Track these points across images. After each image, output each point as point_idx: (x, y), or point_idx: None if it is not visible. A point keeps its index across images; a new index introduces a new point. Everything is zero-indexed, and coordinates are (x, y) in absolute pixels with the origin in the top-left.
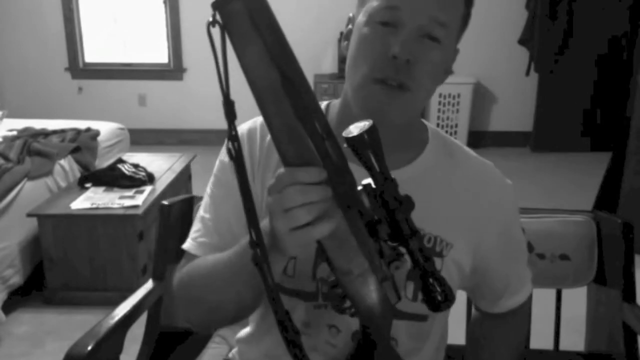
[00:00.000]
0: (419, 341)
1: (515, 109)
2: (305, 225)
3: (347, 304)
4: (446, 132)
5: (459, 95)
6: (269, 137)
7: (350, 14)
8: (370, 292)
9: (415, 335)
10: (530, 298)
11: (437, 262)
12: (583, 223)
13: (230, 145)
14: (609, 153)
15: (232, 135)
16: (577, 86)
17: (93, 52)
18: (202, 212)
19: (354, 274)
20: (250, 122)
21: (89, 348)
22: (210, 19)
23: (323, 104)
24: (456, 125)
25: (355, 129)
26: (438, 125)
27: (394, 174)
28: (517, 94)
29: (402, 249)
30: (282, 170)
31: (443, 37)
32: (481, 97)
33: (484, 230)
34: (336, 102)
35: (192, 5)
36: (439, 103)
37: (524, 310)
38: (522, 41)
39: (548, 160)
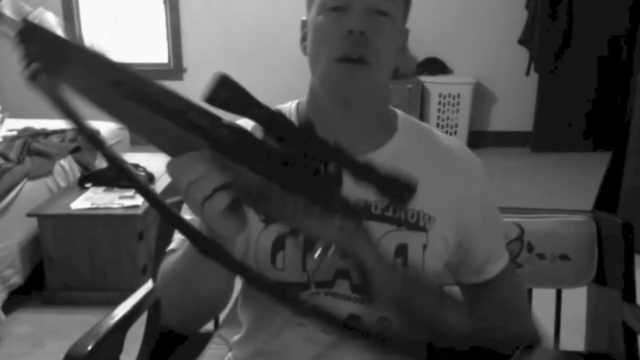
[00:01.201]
0: None
1: (515, 109)
2: (206, 200)
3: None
4: (446, 132)
5: (459, 95)
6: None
7: (303, 18)
8: (325, 224)
9: None
10: (511, 268)
11: (422, 236)
12: (583, 223)
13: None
14: (609, 153)
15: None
16: (577, 86)
17: None
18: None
19: (297, 216)
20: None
21: (89, 348)
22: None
23: (294, 103)
24: (456, 125)
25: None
26: (438, 125)
27: (369, 156)
28: (517, 94)
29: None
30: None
31: (391, 10)
32: (481, 97)
33: (463, 204)
34: (304, 100)
35: (192, 5)
36: (439, 103)
37: (510, 275)
38: (522, 41)
39: (548, 160)
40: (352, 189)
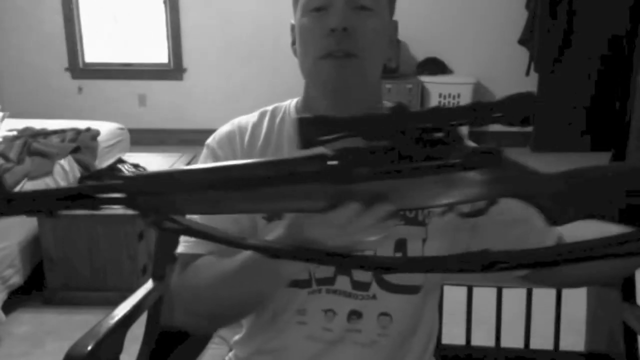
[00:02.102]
0: (413, 319)
1: None
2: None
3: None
4: None
5: (459, 95)
6: (247, 136)
7: (292, 22)
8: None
9: (410, 314)
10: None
11: (421, 231)
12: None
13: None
14: (608, 153)
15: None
16: (577, 86)
17: (93, 52)
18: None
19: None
20: (228, 125)
21: (89, 348)
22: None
23: (293, 101)
24: None
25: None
26: None
27: None
28: None
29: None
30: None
31: (371, 4)
32: (481, 97)
33: None
34: (300, 99)
35: (192, 5)
36: (439, 103)
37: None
38: (522, 41)
39: (548, 160)
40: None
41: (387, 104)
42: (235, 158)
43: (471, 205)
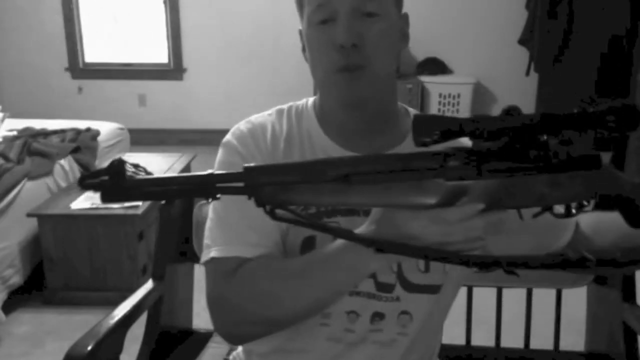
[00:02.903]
0: (430, 318)
1: None
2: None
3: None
4: None
5: (459, 95)
6: (269, 134)
7: (299, 28)
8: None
9: (427, 312)
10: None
11: None
12: None
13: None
14: (609, 153)
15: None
16: (577, 86)
17: (93, 52)
18: (220, 215)
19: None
20: (247, 124)
21: (89, 348)
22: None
23: (310, 100)
24: None
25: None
26: None
27: None
28: (517, 94)
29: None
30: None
31: (377, 9)
32: (481, 97)
33: None
34: (315, 99)
35: (192, 5)
36: (439, 103)
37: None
38: (522, 41)
39: None
40: None
41: (402, 105)
42: (260, 155)
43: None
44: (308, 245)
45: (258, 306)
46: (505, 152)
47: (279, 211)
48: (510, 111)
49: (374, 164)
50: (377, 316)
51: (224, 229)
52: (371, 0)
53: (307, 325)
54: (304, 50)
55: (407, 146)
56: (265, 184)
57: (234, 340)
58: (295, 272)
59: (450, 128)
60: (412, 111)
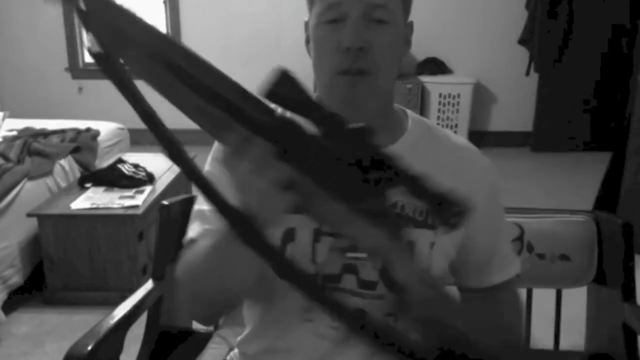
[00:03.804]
0: None
1: (515, 109)
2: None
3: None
4: None
5: (459, 95)
6: None
7: (306, 19)
8: (366, 235)
9: None
10: (516, 283)
11: (430, 234)
12: (583, 223)
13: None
14: (608, 153)
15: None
16: (577, 86)
17: None
18: (198, 207)
19: (338, 220)
20: None
21: (89, 348)
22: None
23: None
24: (456, 125)
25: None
26: (438, 125)
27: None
28: (517, 94)
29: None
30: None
31: (387, 17)
32: (481, 97)
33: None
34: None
35: (192, 5)
36: (439, 103)
37: (512, 290)
38: (522, 41)
39: (548, 160)
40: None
41: (398, 107)
42: None
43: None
44: (288, 237)
45: (187, 285)
46: (325, 159)
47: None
48: (361, 131)
49: (214, 76)
50: (360, 313)
51: (197, 218)
52: (382, 8)
53: (292, 322)
54: (307, 42)
55: (400, 146)
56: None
57: (195, 318)
58: (210, 258)
59: (300, 103)
60: (410, 113)
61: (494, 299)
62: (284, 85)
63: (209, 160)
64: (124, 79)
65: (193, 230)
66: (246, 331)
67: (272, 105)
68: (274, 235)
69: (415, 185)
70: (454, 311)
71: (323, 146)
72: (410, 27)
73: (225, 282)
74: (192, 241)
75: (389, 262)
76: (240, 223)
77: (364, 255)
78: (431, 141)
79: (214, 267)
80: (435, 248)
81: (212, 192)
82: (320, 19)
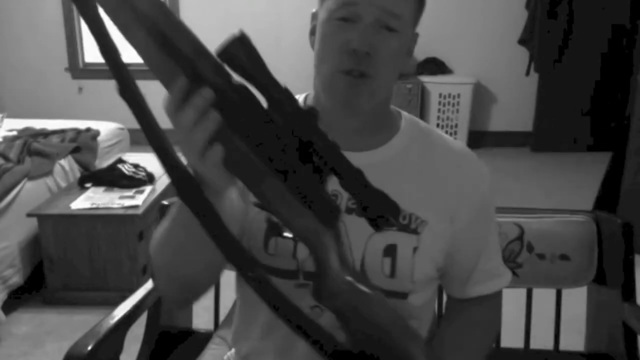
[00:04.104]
0: (425, 314)
1: (515, 109)
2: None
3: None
4: (446, 132)
5: (459, 95)
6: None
7: (314, 10)
8: (298, 216)
9: (421, 308)
10: (500, 296)
11: (413, 239)
12: (583, 223)
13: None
14: (608, 153)
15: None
16: (577, 86)
17: (93, 52)
18: None
19: (272, 199)
20: None
21: (89, 348)
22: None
23: (302, 96)
24: (456, 125)
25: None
26: (438, 125)
27: (366, 155)
28: (517, 94)
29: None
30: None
31: (398, 26)
32: (481, 97)
33: (456, 208)
34: (312, 94)
35: (192, 5)
36: (439, 103)
37: (493, 304)
38: (522, 41)
39: (548, 160)
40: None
41: (394, 108)
42: None
43: None
44: (272, 231)
45: (160, 263)
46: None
47: None
48: (309, 112)
49: (174, 25)
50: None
51: None
52: (395, 18)
53: (276, 322)
54: (312, 33)
55: (391, 147)
56: None
57: (165, 296)
58: (172, 231)
59: (253, 70)
60: (405, 114)
61: (472, 309)
62: (241, 51)
63: None
64: (96, 15)
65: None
66: (233, 329)
67: (228, 70)
68: (259, 227)
69: (351, 179)
70: (376, 309)
71: (269, 119)
72: (415, 38)
73: (178, 256)
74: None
75: (314, 248)
76: (181, 180)
77: (291, 236)
78: (424, 144)
79: (167, 239)
80: (418, 253)
81: (160, 145)
82: (332, 14)
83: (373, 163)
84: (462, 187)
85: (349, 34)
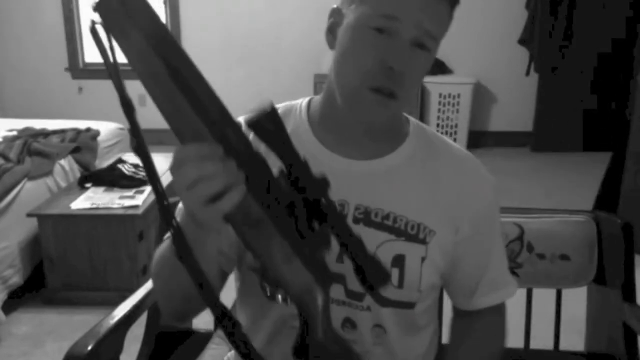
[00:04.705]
0: (409, 332)
1: (515, 109)
2: (209, 199)
3: (281, 291)
4: (446, 132)
5: (459, 95)
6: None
7: (334, 6)
8: (297, 276)
9: (404, 325)
10: (504, 307)
11: (421, 249)
12: (583, 223)
13: (132, 141)
14: (608, 153)
15: (134, 130)
16: (577, 86)
17: (93, 52)
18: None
19: (277, 258)
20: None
21: (89, 348)
22: (91, 21)
23: (305, 101)
24: (456, 125)
25: (255, 112)
26: (438, 125)
27: (374, 163)
28: (517, 94)
29: (328, 231)
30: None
31: (430, 45)
32: (481, 97)
33: (461, 217)
34: (317, 98)
35: (192, 5)
36: (439, 103)
37: (498, 317)
38: (522, 41)
39: (548, 160)
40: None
41: (410, 118)
42: None
43: None
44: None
45: (158, 284)
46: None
47: None
48: (321, 181)
49: (204, 87)
50: (348, 322)
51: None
52: (432, 39)
53: (279, 327)
54: (330, 30)
55: (398, 155)
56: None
57: (165, 313)
58: (161, 251)
59: (275, 141)
60: (412, 120)
61: (475, 326)
62: (270, 121)
63: None
64: (112, 56)
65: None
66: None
67: (249, 137)
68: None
69: (351, 247)
70: None
71: (280, 187)
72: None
73: (173, 279)
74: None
75: (306, 308)
76: (175, 231)
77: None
78: (429, 152)
79: (163, 263)
80: (425, 262)
81: (158, 186)
82: (367, 21)
83: (381, 171)
84: (465, 195)
85: (386, 49)
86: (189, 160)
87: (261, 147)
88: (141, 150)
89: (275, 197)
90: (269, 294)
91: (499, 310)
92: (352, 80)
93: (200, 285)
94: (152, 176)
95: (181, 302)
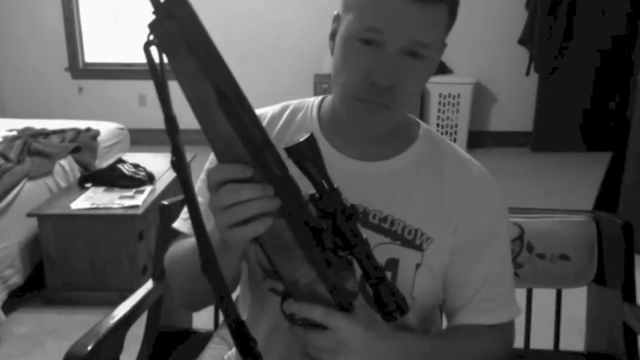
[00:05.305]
0: (426, 325)
1: (515, 109)
2: (241, 222)
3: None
4: (446, 132)
5: (459, 95)
6: (266, 122)
7: (336, 12)
8: (320, 302)
9: (422, 319)
10: (509, 328)
11: (417, 255)
12: (583, 223)
13: (172, 158)
14: (608, 153)
15: (174, 149)
16: (577, 86)
17: (93, 52)
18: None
19: (301, 283)
20: (274, 108)
21: (89, 348)
22: (146, 39)
23: (317, 99)
24: (456, 125)
25: (294, 139)
26: (438, 125)
27: (381, 165)
28: (517, 94)
29: (352, 259)
30: (211, 166)
31: (425, 53)
32: (481, 97)
33: (461, 221)
34: (329, 98)
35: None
36: (439, 103)
37: (495, 333)
38: (522, 41)
39: (548, 160)
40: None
41: (412, 117)
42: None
43: None
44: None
45: (171, 277)
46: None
47: None
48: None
49: (251, 116)
50: None
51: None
52: (422, 46)
53: (275, 328)
54: (332, 37)
55: (405, 158)
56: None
57: (184, 306)
58: (185, 259)
59: (310, 167)
60: (422, 125)
61: (464, 328)
62: (309, 149)
63: (210, 158)
64: (162, 76)
65: (182, 218)
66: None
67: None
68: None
69: (373, 275)
70: None
71: (310, 213)
72: (443, 48)
73: (192, 281)
74: (183, 235)
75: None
76: (205, 250)
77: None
78: (436, 157)
79: (183, 265)
80: (421, 269)
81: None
82: (354, 33)
83: (385, 173)
84: (471, 201)
85: (371, 62)
86: (228, 183)
87: (292, 169)
88: (181, 172)
89: (306, 222)
90: (287, 316)
91: (499, 327)
92: (343, 91)
93: (221, 298)
94: (190, 202)
95: (201, 297)
